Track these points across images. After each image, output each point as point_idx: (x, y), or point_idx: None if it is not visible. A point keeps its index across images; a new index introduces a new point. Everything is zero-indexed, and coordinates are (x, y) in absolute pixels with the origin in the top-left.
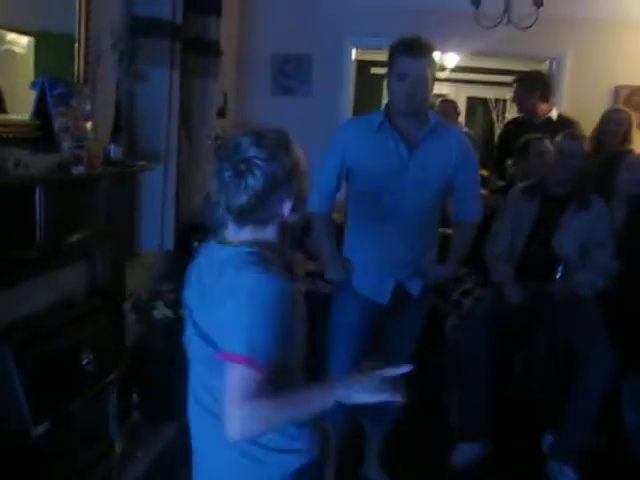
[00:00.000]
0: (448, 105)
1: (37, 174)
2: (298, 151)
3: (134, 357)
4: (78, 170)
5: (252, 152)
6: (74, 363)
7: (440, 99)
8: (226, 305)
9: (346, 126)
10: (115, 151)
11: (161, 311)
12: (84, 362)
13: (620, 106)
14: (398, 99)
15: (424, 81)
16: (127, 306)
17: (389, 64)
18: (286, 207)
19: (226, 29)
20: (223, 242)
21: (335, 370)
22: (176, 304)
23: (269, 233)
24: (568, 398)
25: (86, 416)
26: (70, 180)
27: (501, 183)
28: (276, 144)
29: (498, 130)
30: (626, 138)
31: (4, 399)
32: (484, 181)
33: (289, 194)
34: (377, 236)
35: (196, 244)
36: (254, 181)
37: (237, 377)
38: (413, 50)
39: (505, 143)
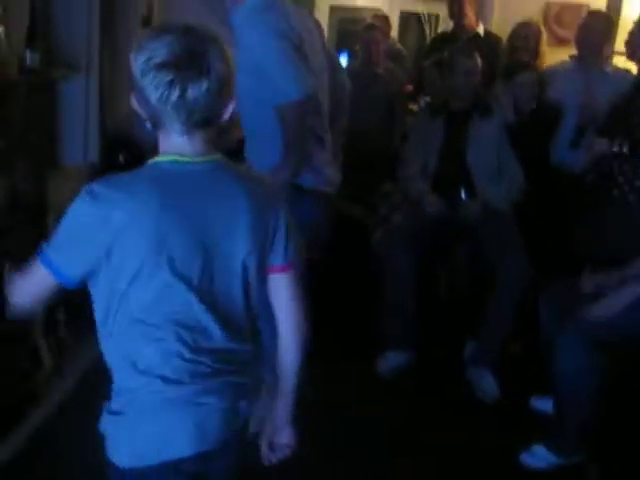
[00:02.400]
0: (380, 20)
1: None
2: None
3: None
4: None
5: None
6: None
7: (373, 13)
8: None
9: None
10: (32, 58)
11: None
12: None
13: (530, 20)
14: None
15: None
16: (51, 220)
17: None
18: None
19: None
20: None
21: None
22: None
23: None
24: (486, 306)
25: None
26: None
27: (427, 99)
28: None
29: None
30: (536, 53)
31: None
32: (412, 97)
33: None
34: None
35: (122, 157)
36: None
37: None
38: None
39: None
